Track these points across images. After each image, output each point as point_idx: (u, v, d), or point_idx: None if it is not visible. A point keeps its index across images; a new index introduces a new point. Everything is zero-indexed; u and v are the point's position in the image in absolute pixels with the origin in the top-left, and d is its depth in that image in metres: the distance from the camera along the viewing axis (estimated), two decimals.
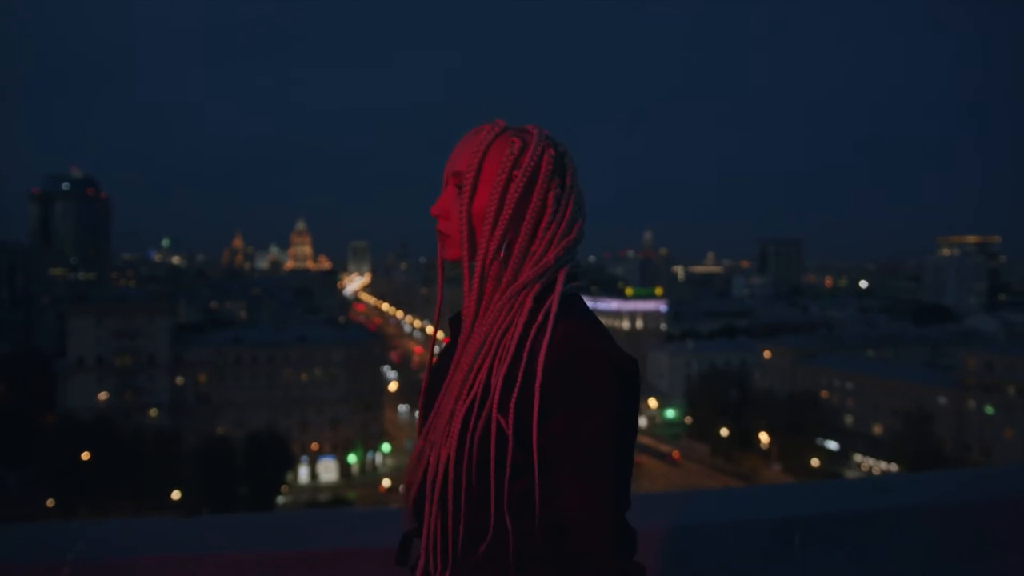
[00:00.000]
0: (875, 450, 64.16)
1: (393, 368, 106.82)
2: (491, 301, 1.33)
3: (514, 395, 1.24)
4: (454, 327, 1.44)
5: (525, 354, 1.26)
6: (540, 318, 1.28)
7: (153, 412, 67.69)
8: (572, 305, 1.33)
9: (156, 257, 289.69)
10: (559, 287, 1.30)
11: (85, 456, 52.46)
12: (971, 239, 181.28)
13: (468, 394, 1.29)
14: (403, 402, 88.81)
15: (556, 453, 1.24)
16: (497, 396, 1.26)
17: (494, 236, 1.32)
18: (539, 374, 1.23)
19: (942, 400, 62.85)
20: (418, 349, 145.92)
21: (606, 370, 1.26)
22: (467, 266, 1.34)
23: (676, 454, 70.27)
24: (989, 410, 60.04)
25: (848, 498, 2.72)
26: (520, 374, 1.25)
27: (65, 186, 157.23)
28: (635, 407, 1.34)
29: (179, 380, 70.70)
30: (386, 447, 72.58)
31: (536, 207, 1.33)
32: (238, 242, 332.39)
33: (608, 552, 1.24)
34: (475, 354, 1.31)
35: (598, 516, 1.23)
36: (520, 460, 1.24)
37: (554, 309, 1.28)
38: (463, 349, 1.34)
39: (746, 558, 2.39)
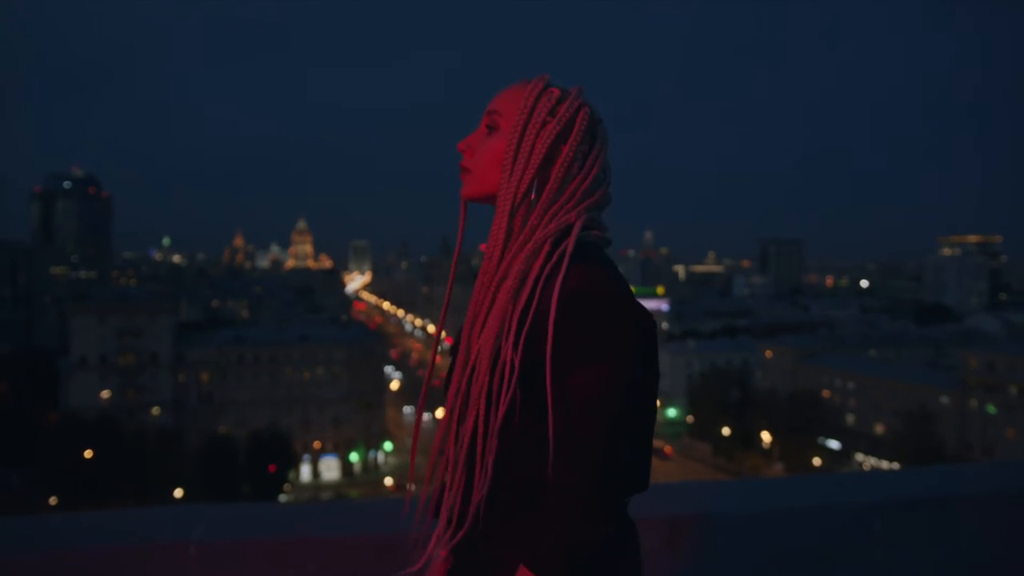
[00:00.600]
0: (877, 449, 64.27)
1: (397, 369, 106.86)
2: (519, 243, 1.35)
3: (524, 330, 1.26)
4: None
5: (538, 293, 1.27)
6: (555, 258, 1.30)
7: (155, 411, 67.78)
8: (591, 253, 1.33)
9: (156, 256, 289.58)
10: (575, 231, 1.32)
11: (88, 454, 52.56)
12: (972, 239, 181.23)
13: (493, 336, 1.30)
14: (406, 403, 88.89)
15: (562, 396, 1.24)
16: (512, 334, 1.27)
17: (525, 176, 1.35)
18: (552, 311, 1.23)
19: (944, 400, 62.93)
20: (417, 346, 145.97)
21: (622, 317, 1.27)
22: (503, 205, 1.36)
23: (668, 449, 70.17)
24: (991, 410, 60.14)
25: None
26: (531, 311, 1.26)
27: (66, 185, 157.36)
28: (653, 371, 1.35)
29: (181, 379, 70.82)
30: (388, 446, 72.70)
31: (567, 157, 1.36)
32: (239, 241, 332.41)
33: (590, 496, 1.22)
34: (509, 296, 1.31)
35: (589, 457, 1.22)
36: (525, 399, 1.26)
37: (569, 249, 1.29)
38: (488, 289, 1.35)
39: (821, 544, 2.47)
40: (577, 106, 1.38)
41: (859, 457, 66.32)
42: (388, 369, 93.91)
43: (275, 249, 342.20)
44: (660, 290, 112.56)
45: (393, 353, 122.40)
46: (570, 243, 1.30)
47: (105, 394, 67.69)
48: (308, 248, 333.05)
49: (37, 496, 53.28)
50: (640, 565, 1.37)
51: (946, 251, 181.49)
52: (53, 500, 53.48)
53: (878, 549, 2.53)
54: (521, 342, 1.26)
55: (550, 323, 1.23)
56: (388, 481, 66.24)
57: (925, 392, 63.79)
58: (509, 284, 1.31)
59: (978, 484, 2.97)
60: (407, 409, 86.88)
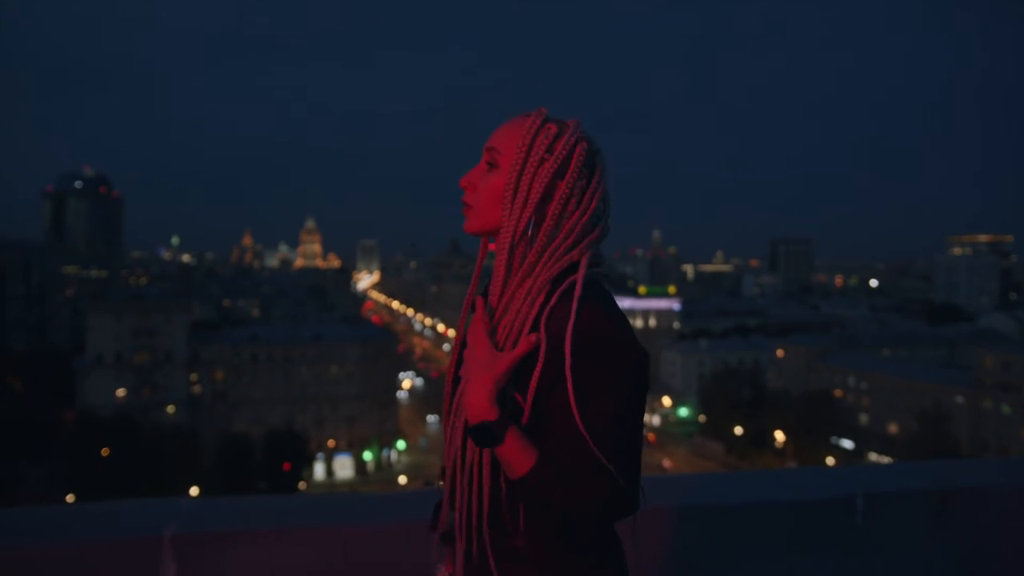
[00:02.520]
0: (890, 449, 64.14)
1: (418, 375, 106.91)
2: (517, 280, 1.39)
3: (536, 372, 1.32)
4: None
5: (542, 332, 1.33)
6: (554, 299, 1.35)
7: (170, 409, 68.10)
8: (594, 291, 1.37)
9: (165, 255, 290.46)
10: (583, 269, 1.36)
11: (104, 452, 52.84)
12: (983, 238, 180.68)
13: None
14: (413, 401, 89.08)
15: (560, 427, 1.30)
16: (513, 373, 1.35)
17: (524, 214, 1.38)
18: (568, 354, 1.28)
19: (959, 400, 62.81)
20: (425, 344, 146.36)
21: (625, 357, 1.32)
22: (503, 242, 1.40)
23: (667, 463, 68.89)
24: (1006, 410, 60.02)
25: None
26: (541, 355, 1.32)
27: (78, 184, 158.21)
28: (643, 402, 1.37)
29: (195, 377, 71.17)
30: (401, 444, 72.88)
31: (563, 194, 1.38)
32: (247, 240, 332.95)
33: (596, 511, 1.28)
34: (505, 334, 1.38)
35: (591, 487, 1.27)
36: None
37: (578, 291, 1.33)
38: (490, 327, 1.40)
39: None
40: (574, 141, 1.40)
41: (873, 457, 66.18)
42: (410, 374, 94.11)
43: (283, 248, 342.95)
44: (672, 289, 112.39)
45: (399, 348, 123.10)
46: (578, 282, 1.34)
47: (120, 392, 68.06)
48: (317, 247, 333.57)
49: (53, 493, 53.60)
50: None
51: (957, 251, 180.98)
52: (70, 497, 53.78)
53: (853, 542, 2.62)
54: (531, 383, 1.33)
55: (567, 366, 1.27)
56: (402, 479, 66.41)
57: (939, 392, 63.65)
58: (508, 319, 1.38)
59: (972, 477, 3.05)
60: (431, 418, 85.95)
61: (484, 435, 1.29)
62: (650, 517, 2.37)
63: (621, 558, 1.44)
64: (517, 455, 1.28)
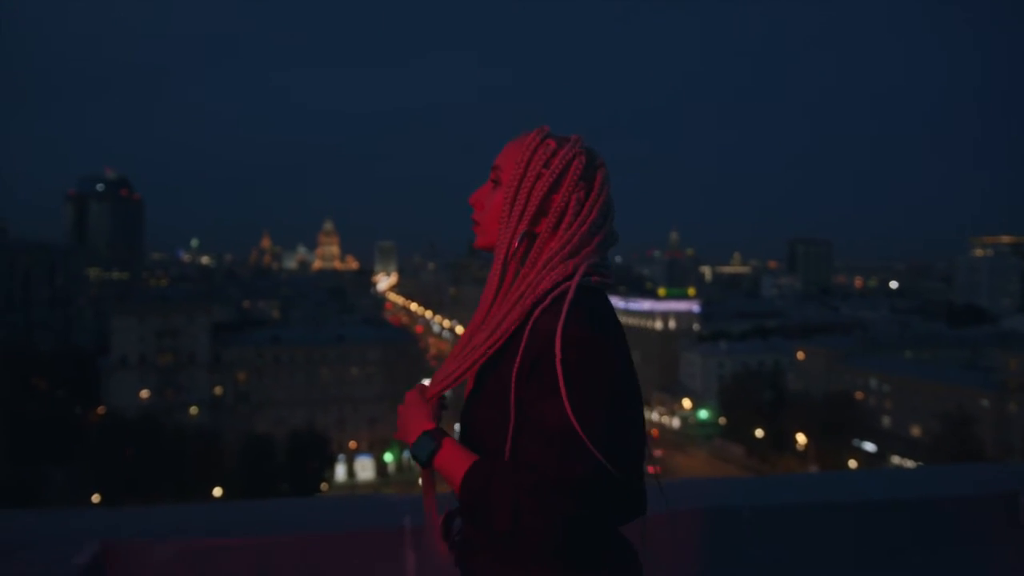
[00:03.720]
0: (913, 452, 63.65)
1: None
2: (505, 291, 1.45)
3: (516, 363, 1.35)
4: None
5: (526, 333, 1.36)
6: (548, 301, 1.37)
7: (193, 410, 68.66)
8: (589, 297, 1.40)
9: (185, 257, 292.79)
10: (577, 277, 1.38)
11: (129, 453, 53.32)
12: (1005, 239, 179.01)
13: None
14: None
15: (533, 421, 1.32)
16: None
17: (519, 228, 1.42)
18: (558, 350, 1.30)
19: (984, 402, 62.26)
20: (442, 345, 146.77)
21: (595, 360, 1.32)
22: (498, 256, 1.45)
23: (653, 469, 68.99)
24: None
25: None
26: (521, 348, 1.35)
27: (99, 187, 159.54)
28: (619, 402, 1.37)
29: (218, 379, 71.72)
30: None
31: (558, 207, 1.42)
32: (266, 242, 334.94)
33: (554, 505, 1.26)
34: (484, 340, 1.43)
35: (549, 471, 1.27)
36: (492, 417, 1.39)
37: (570, 295, 1.35)
38: (475, 333, 1.47)
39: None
40: (572, 155, 1.44)
41: (895, 460, 65.73)
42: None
43: (302, 250, 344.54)
44: (691, 291, 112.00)
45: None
46: (571, 289, 1.36)
47: (144, 393, 68.69)
48: (335, 249, 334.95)
49: (79, 494, 54.17)
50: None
51: (978, 252, 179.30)
52: (96, 497, 54.34)
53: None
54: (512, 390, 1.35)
55: (557, 360, 1.28)
56: (419, 482, 66.59)
57: (963, 394, 63.11)
58: (492, 323, 1.42)
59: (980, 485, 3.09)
60: None
61: (422, 444, 1.41)
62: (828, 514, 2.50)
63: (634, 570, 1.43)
64: (456, 460, 1.35)
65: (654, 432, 74.33)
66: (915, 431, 66.35)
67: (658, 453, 75.09)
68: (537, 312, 1.37)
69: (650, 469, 1.40)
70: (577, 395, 1.28)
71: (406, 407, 1.49)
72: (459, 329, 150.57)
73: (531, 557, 1.32)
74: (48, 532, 2.37)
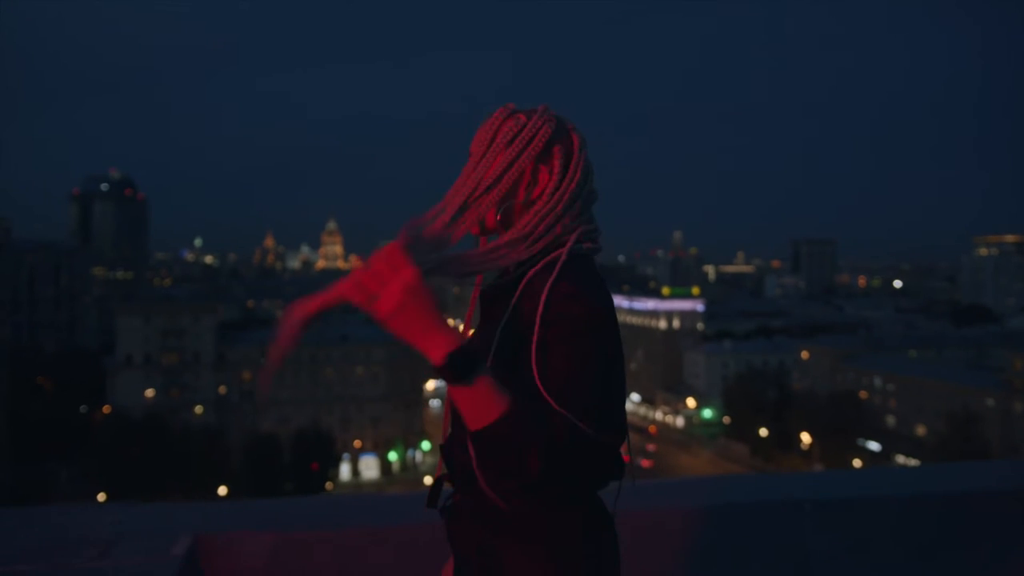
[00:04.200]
0: (918, 451, 63.60)
1: None
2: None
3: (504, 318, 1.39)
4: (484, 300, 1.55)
5: (519, 292, 1.38)
6: (540, 266, 1.38)
7: (198, 409, 68.83)
8: (577, 263, 1.39)
9: (188, 257, 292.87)
10: (570, 243, 1.39)
11: (135, 452, 53.47)
12: (1009, 239, 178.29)
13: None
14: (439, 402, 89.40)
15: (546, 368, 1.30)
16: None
17: (488, 199, 1.39)
18: (537, 321, 1.30)
19: (989, 402, 62.17)
20: None
21: (589, 317, 1.31)
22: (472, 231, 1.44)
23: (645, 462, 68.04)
24: None
25: None
26: (512, 304, 1.38)
27: (104, 187, 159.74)
28: (608, 360, 1.37)
29: (223, 378, 71.87)
30: (426, 445, 73.16)
31: (528, 179, 1.42)
32: (269, 242, 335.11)
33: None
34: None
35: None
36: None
37: (562, 260, 1.35)
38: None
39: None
40: (541, 124, 1.42)
41: (900, 459, 65.69)
42: None
43: (305, 250, 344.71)
44: (696, 290, 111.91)
45: None
46: (562, 254, 1.36)
47: (149, 393, 68.87)
48: (338, 249, 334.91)
49: (84, 491, 54.35)
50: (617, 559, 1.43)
51: (983, 251, 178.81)
52: (101, 496, 54.50)
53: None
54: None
55: (537, 314, 1.30)
56: (427, 480, 66.65)
57: (969, 394, 63.02)
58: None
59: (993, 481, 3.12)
60: (434, 403, 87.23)
61: (461, 362, 1.21)
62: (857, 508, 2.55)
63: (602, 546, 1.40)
64: (491, 395, 1.21)
65: (651, 429, 73.79)
66: (920, 430, 66.29)
67: (652, 448, 75.13)
68: (531, 273, 1.37)
69: (644, 463, 1.41)
70: (584, 357, 1.28)
71: (405, 285, 1.21)
72: (461, 328, 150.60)
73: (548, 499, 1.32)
74: (140, 526, 2.43)
